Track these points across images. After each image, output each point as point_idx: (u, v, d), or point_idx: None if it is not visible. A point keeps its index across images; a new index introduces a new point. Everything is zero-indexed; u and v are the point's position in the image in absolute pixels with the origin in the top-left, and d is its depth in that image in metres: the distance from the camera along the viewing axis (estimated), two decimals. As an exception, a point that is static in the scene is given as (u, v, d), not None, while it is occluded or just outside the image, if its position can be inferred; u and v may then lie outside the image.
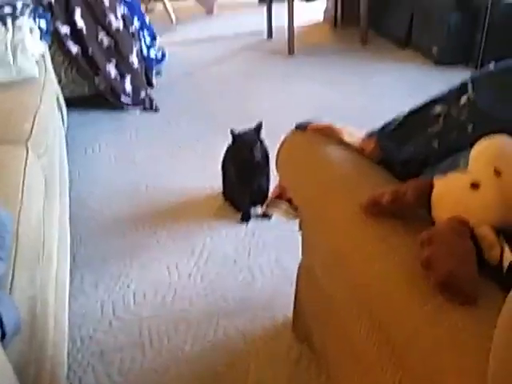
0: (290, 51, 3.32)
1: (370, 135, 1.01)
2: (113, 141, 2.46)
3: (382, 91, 2.74)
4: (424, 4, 3.02)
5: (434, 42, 2.97)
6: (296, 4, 3.23)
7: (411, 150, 0.93)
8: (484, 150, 0.72)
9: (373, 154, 0.99)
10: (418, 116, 0.92)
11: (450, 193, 0.75)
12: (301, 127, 1.11)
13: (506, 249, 0.70)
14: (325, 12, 3.91)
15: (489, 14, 2.67)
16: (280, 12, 3.52)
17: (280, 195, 1.31)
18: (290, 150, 1.12)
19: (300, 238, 1.23)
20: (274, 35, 3.62)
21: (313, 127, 1.08)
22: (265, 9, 3.61)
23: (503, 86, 0.78)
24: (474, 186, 0.71)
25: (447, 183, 0.76)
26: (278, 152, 1.15)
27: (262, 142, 1.77)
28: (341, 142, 1.03)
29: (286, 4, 3.26)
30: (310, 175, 1.02)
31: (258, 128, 1.77)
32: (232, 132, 1.76)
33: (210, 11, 4.23)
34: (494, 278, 0.69)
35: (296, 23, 3.31)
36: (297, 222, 1.24)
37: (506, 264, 0.69)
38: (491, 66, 2.57)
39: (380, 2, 3.34)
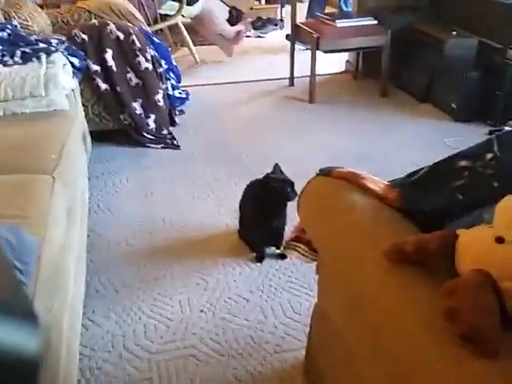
0: (311, 99, 3.40)
1: (393, 184, 1.03)
2: (133, 175, 2.51)
3: (400, 143, 2.78)
4: (445, 60, 3.09)
5: (453, 98, 3.02)
6: (318, 54, 3.32)
7: (435, 201, 0.94)
8: (510, 207, 0.73)
9: (395, 202, 1.00)
10: (443, 168, 0.94)
11: (474, 245, 0.76)
12: (324, 172, 1.14)
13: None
14: (346, 63, 4.02)
15: (509, 73, 2.73)
16: (302, 60, 3.63)
17: (298, 237, 1.32)
18: (312, 193, 1.14)
19: (316, 282, 1.24)
20: (295, 83, 3.71)
21: (336, 173, 1.10)
22: (288, 56, 3.72)
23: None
24: (499, 240, 0.72)
25: (472, 235, 0.77)
26: (301, 194, 1.17)
27: (288, 182, 1.78)
28: (363, 189, 1.05)
29: (309, 53, 3.36)
30: (331, 219, 1.04)
31: (277, 168, 1.80)
32: (266, 173, 1.79)
33: (229, 55, 4.38)
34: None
35: (317, 72, 3.40)
36: (313, 265, 1.25)
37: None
38: (510, 127, 2.59)
39: (401, 56, 3.42)
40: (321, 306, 1.25)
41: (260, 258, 1.86)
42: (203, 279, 1.77)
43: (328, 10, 5.09)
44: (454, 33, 3.14)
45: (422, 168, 1.00)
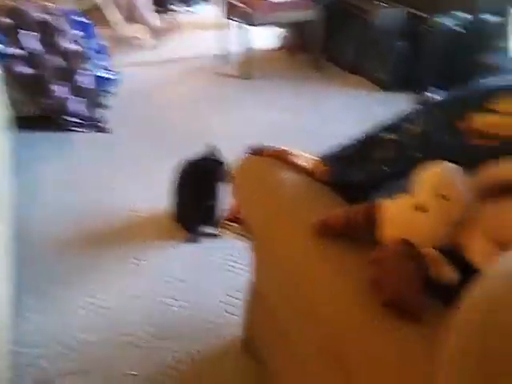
0: (246, 75, 3.37)
1: (322, 159, 1.03)
2: (60, 162, 2.40)
3: (332, 116, 2.82)
4: (373, 33, 3.14)
5: (381, 69, 3.09)
6: (253, 29, 3.29)
7: (360, 173, 0.96)
8: (430, 176, 0.75)
9: (324, 177, 1.01)
10: (368, 141, 0.95)
11: (396, 215, 0.77)
12: (256, 151, 1.12)
13: (449, 267, 0.73)
14: (280, 39, 4.00)
15: (434, 41, 2.81)
16: (235, 36, 3.57)
17: (233, 217, 1.31)
18: (245, 173, 1.13)
19: (251, 260, 1.23)
20: (230, 59, 3.66)
21: (267, 152, 1.10)
22: (221, 31, 3.65)
23: (447, 115, 0.82)
24: (420, 208, 0.74)
25: (394, 206, 0.78)
26: (234, 175, 1.16)
27: (222, 164, 1.77)
28: (294, 166, 1.05)
29: (244, 30, 3.32)
30: (263, 198, 1.03)
31: (212, 150, 1.77)
32: (196, 154, 1.76)
33: (156, 42, 4.16)
34: (439, 295, 0.71)
35: (253, 47, 3.37)
36: (249, 243, 1.25)
37: (452, 280, 0.71)
38: (431, 93, 2.66)
39: (333, 30, 3.45)
40: (256, 282, 1.25)
41: (195, 239, 1.84)
42: (138, 264, 1.74)
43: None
44: (383, 4, 3.19)
45: (349, 142, 1.01)
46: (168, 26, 4.11)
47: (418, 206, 0.75)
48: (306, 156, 1.08)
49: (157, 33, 4.05)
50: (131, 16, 4.15)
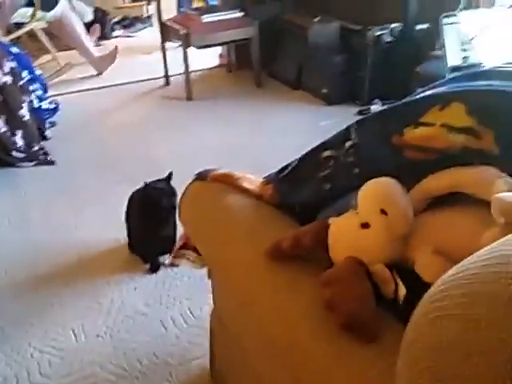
0: (188, 97, 3.36)
1: (267, 181, 1.04)
2: (5, 199, 2.32)
3: (278, 132, 2.85)
4: (310, 48, 3.21)
5: (323, 84, 3.15)
6: (191, 50, 3.29)
7: (305, 193, 0.96)
8: (370, 192, 0.77)
9: (271, 198, 1.01)
10: (309, 160, 0.96)
11: (343, 234, 0.79)
12: (201, 176, 1.12)
13: (400, 283, 0.74)
14: (219, 57, 4.03)
15: (371, 53, 2.90)
16: (176, 57, 3.57)
17: (186, 244, 1.30)
18: (191, 199, 1.12)
19: (210, 287, 1.23)
20: (171, 81, 3.65)
21: (213, 176, 1.09)
22: (161, 54, 3.64)
23: (382, 129, 0.84)
24: (364, 225, 0.76)
25: (340, 224, 0.80)
26: (181, 202, 1.15)
27: (173, 190, 1.75)
28: (241, 190, 1.05)
29: (181, 50, 3.32)
30: (211, 224, 1.03)
31: (169, 177, 1.75)
32: (145, 182, 1.73)
33: (100, 71, 4.01)
34: (391, 312, 0.73)
35: (192, 68, 3.37)
36: (205, 270, 1.24)
37: (401, 297, 0.73)
38: (376, 105, 2.73)
39: (271, 46, 3.50)
40: (216, 309, 1.24)
41: (154, 269, 1.81)
42: (96, 301, 1.69)
43: (198, 4, 5.05)
44: (316, 19, 3.26)
45: (293, 161, 1.02)
46: (108, 55, 4.03)
47: (362, 222, 0.77)
48: (251, 178, 1.08)
49: (99, 63, 3.97)
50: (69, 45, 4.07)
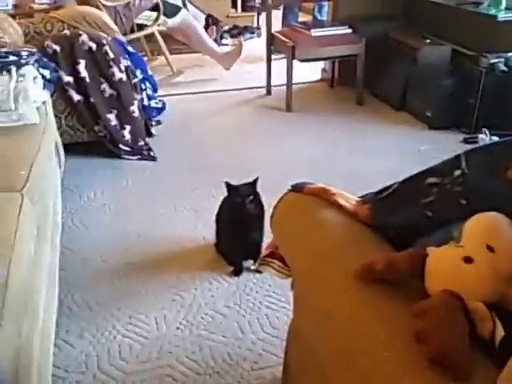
0: (288, 108, 3.40)
1: (364, 200, 1.03)
2: (108, 188, 2.47)
3: (376, 151, 2.80)
4: (418, 70, 3.13)
5: (428, 107, 3.05)
6: (295, 62, 3.33)
7: (404, 217, 0.94)
8: (478, 226, 0.74)
9: (366, 218, 1.00)
10: (412, 185, 0.94)
11: (443, 265, 0.76)
12: (296, 188, 1.13)
13: (498, 324, 0.70)
14: (322, 72, 4.04)
15: (483, 80, 2.77)
16: (279, 69, 3.63)
17: (273, 253, 1.31)
18: (285, 210, 1.13)
19: (292, 298, 1.23)
20: (272, 91, 3.72)
21: (309, 189, 1.10)
22: (265, 64, 3.72)
23: (495, 162, 0.81)
24: (468, 260, 0.72)
25: (441, 255, 0.77)
26: (273, 211, 1.16)
27: (257, 195, 1.78)
28: (336, 206, 1.04)
29: (285, 61, 3.37)
30: (303, 237, 1.03)
31: (254, 182, 1.78)
32: (227, 184, 1.78)
33: (227, 68, 4.21)
34: (486, 353, 0.69)
35: (294, 81, 3.41)
36: (289, 280, 1.24)
37: (498, 339, 0.69)
38: (484, 135, 2.61)
39: (376, 65, 3.45)
40: (295, 322, 1.24)
41: (237, 272, 1.84)
42: (179, 295, 1.75)
43: (303, 18, 5.12)
44: (428, 41, 3.18)
45: (393, 184, 1.00)
46: (234, 51, 4.20)
47: (465, 257, 0.74)
48: (347, 196, 1.07)
49: (225, 60, 4.14)
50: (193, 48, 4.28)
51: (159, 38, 4.08)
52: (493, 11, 2.62)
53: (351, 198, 1.05)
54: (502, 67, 2.77)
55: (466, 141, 2.81)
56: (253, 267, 1.86)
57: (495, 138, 2.68)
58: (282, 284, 1.75)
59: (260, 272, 1.83)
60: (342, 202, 1.04)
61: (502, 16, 2.59)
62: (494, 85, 2.77)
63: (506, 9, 2.63)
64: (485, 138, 2.70)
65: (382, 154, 2.76)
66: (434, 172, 0.89)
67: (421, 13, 3.52)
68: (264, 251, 1.34)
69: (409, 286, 0.81)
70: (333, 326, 0.85)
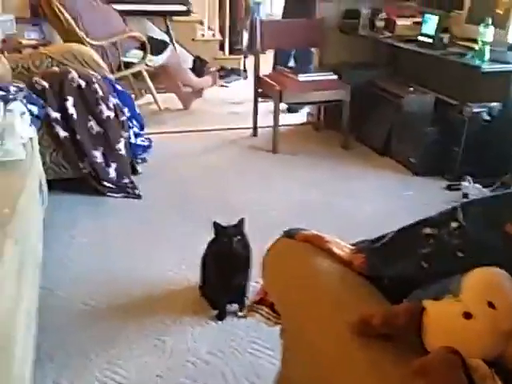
0: (274, 150, 3.43)
1: (359, 249, 1.02)
2: (91, 226, 2.42)
3: (362, 195, 2.81)
4: (403, 117, 3.19)
5: (412, 153, 3.10)
6: (281, 105, 3.38)
7: (400, 268, 0.93)
8: (478, 281, 0.73)
9: (360, 268, 0.98)
10: (408, 235, 0.93)
11: (442, 320, 0.74)
12: (289, 234, 1.11)
13: (499, 382, 0.69)
14: (308, 115, 4.10)
15: (466, 129, 2.83)
16: (265, 110, 3.68)
17: (262, 299, 1.28)
18: (277, 256, 1.11)
19: (280, 346, 1.19)
20: (258, 133, 3.75)
21: (301, 235, 1.08)
22: (251, 106, 3.76)
23: (493, 216, 0.81)
24: (467, 315, 0.71)
25: (439, 310, 0.75)
26: (265, 256, 1.14)
27: (244, 237, 1.76)
28: (329, 254, 1.03)
29: (270, 103, 3.42)
30: (296, 285, 1.01)
31: (241, 223, 1.76)
32: (216, 224, 1.75)
33: (186, 107, 4.34)
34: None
35: (280, 123, 3.45)
36: (276, 328, 1.21)
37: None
38: (467, 182, 2.63)
39: (361, 110, 3.52)
40: (284, 372, 1.20)
41: (221, 317, 1.80)
42: (160, 340, 1.69)
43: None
44: (411, 89, 3.26)
45: (388, 233, 0.99)
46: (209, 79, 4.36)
47: (464, 312, 0.72)
48: (341, 243, 1.06)
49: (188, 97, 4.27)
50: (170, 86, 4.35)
51: (146, 76, 4.12)
52: (477, 62, 2.71)
53: (345, 245, 1.04)
54: (486, 116, 2.84)
55: (449, 188, 2.85)
56: (240, 313, 1.82)
57: (478, 186, 2.73)
58: (268, 330, 1.70)
59: (245, 317, 1.79)
60: (336, 250, 1.02)
61: (486, 67, 2.68)
62: (478, 133, 2.83)
63: (489, 60, 2.71)
64: (468, 185, 2.74)
65: (366, 197, 2.78)
66: (431, 223, 0.89)
67: (405, 62, 3.63)
68: (253, 297, 1.32)
69: (405, 341, 0.79)
70: (326, 381, 0.82)
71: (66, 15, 3.67)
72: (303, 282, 0.99)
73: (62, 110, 2.60)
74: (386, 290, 0.94)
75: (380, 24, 3.59)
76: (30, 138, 2.14)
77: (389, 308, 0.82)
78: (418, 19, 3.37)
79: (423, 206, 2.59)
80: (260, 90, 3.69)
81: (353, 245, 1.06)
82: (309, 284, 0.98)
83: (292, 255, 1.07)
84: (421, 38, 3.21)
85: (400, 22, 3.50)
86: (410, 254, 0.91)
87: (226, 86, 5.26)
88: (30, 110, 2.25)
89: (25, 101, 2.24)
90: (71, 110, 2.61)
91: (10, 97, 2.14)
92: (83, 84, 2.65)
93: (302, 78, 3.49)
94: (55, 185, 2.55)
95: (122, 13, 4.26)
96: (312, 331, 0.90)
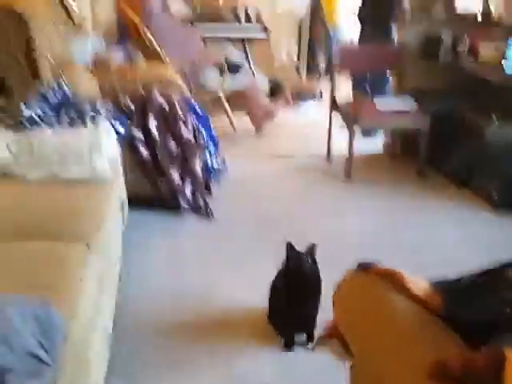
0: (347, 176, 3.39)
1: (437, 288, 0.98)
2: (166, 244, 2.50)
3: (438, 230, 2.71)
4: (485, 147, 3.06)
5: (494, 187, 2.95)
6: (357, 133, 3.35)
7: (480, 312, 0.89)
8: None
9: (438, 309, 0.95)
10: (491, 278, 0.89)
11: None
12: (364, 267, 1.10)
13: None
14: (384, 145, 4.01)
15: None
16: (340, 136, 3.65)
17: (332, 333, 1.26)
18: (350, 289, 1.10)
19: (348, 380, 1.16)
20: (332, 159, 3.73)
21: (376, 270, 1.06)
22: (325, 130, 3.76)
23: None
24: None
25: (525, 362, 0.71)
26: (337, 288, 1.13)
27: (315, 262, 1.73)
28: (404, 290, 1.00)
29: (345, 130, 3.40)
30: (369, 321, 0.99)
31: (312, 249, 1.73)
32: (288, 246, 1.74)
33: (259, 129, 4.38)
34: None
35: (355, 151, 3.41)
36: (344, 362, 1.18)
37: None
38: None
39: (439, 139, 3.40)
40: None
41: (288, 346, 1.78)
42: (227, 366, 1.71)
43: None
44: (495, 120, 3.12)
45: (469, 274, 0.96)
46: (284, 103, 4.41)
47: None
48: (418, 282, 1.03)
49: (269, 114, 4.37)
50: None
51: (223, 99, 4.23)
52: None
53: (422, 284, 1.01)
54: None
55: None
56: (309, 347, 1.79)
57: None
58: (335, 365, 1.67)
59: (312, 349, 1.77)
60: (412, 287, 0.99)
61: None
62: None
63: None
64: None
65: (442, 233, 2.67)
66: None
67: (488, 91, 3.49)
68: (323, 331, 1.30)
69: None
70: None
71: (150, 37, 3.88)
72: (376, 318, 0.97)
73: (145, 129, 2.72)
74: (464, 335, 0.90)
75: (462, 49, 3.48)
76: (115, 158, 2.26)
77: (468, 354, 0.78)
78: (503, 44, 3.23)
79: (502, 245, 2.46)
80: (335, 114, 3.69)
81: (430, 284, 1.03)
82: (382, 322, 0.96)
83: (365, 290, 1.05)
84: (505, 63, 3.07)
85: (483, 47, 3.37)
86: (492, 297, 0.87)
87: (300, 110, 5.28)
88: (115, 129, 2.38)
89: (111, 119, 2.36)
90: (153, 130, 2.72)
91: (98, 115, 2.27)
92: (165, 105, 2.78)
93: (379, 103, 3.45)
94: (133, 202, 2.65)
95: (204, 37, 4.46)
96: (385, 368, 0.88)
